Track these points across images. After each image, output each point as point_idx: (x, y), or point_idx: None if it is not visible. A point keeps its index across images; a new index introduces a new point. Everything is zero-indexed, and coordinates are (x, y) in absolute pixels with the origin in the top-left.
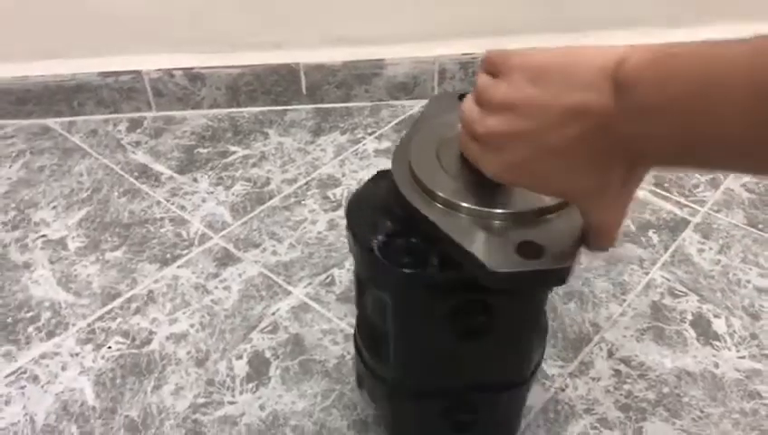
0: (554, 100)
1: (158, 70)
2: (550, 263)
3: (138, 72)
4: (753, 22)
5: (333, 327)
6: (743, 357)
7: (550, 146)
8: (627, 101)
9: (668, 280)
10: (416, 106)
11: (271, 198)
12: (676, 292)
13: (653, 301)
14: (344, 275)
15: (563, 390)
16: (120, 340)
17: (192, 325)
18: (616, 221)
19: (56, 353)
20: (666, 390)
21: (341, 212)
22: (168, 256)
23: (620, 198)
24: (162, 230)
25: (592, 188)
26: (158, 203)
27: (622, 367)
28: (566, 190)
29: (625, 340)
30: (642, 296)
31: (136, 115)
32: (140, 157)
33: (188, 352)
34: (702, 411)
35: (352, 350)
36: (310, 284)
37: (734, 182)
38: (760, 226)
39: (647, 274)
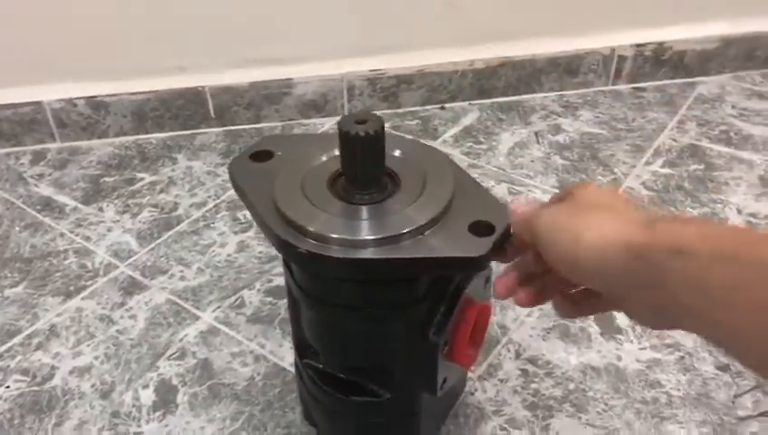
0: None
1: (60, 100)
2: (500, 233)
3: (38, 103)
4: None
5: (243, 349)
6: (644, 348)
7: None
8: None
9: None
10: (327, 123)
11: (179, 222)
12: None
13: None
14: (254, 296)
15: (473, 393)
16: (20, 378)
17: (96, 357)
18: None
19: None
20: (571, 386)
21: (252, 233)
22: (72, 288)
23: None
24: (66, 262)
25: None
26: (62, 235)
27: (529, 366)
28: None
29: (531, 340)
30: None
31: (39, 147)
32: (43, 189)
33: (93, 385)
34: (606, 404)
35: (262, 370)
36: (219, 307)
37: (635, 181)
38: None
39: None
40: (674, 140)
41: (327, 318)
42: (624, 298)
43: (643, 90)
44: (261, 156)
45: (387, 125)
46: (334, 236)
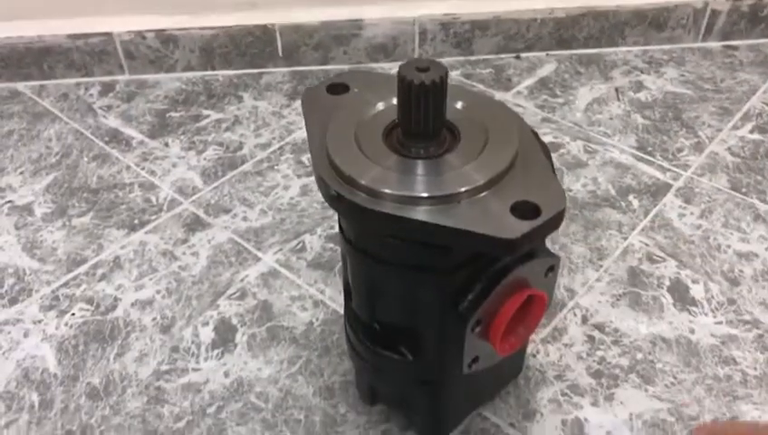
0: None
1: (130, 32)
2: (544, 220)
3: (108, 35)
4: None
5: (303, 293)
6: (719, 323)
7: None
8: None
9: (647, 245)
10: (395, 69)
11: (243, 162)
12: (655, 257)
13: (630, 266)
14: (315, 241)
15: (535, 356)
16: (84, 307)
17: (158, 292)
18: None
19: (18, 320)
20: (639, 356)
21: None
22: (137, 221)
23: None
24: (131, 195)
25: None
26: (128, 168)
27: (596, 333)
28: None
29: (600, 306)
30: (619, 262)
31: (108, 79)
32: (111, 121)
33: (153, 319)
34: (675, 378)
35: (321, 316)
36: (280, 250)
37: (719, 146)
38: (743, 190)
39: (625, 239)
40: (766, 103)
41: (356, 264)
42: None
43: (735, 48)
44: (337, 89)
45: (458, 73)
46: (385, 190)
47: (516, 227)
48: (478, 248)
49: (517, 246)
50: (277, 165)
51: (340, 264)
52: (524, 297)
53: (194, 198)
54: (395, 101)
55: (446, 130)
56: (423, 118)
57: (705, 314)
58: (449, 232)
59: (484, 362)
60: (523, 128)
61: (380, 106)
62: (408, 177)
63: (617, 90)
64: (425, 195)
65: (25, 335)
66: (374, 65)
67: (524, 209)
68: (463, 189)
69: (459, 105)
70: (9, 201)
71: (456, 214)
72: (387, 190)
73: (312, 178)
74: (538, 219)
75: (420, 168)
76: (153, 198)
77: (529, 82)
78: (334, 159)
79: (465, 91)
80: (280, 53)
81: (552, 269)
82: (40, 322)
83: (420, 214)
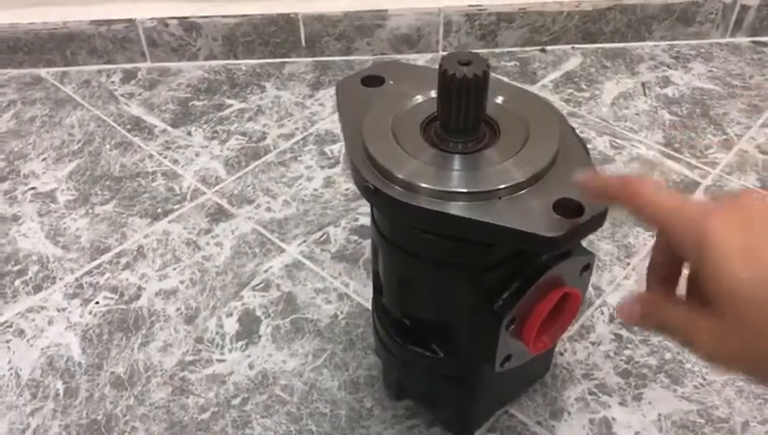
0: None
1: (153, 19)
2: (589, 217)
3: (131, 21)
4: None
5: (327, 286)
6: None
7: None
8: None
9: None
10: (420, 60)
11: (266, 153)
12: None
13: None
14: (339, 233)
15: (562, 354)
16: (108, 295)
17: (182, 282)
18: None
19: (43, 308)
20: (668, 356)
21: (338, 169)
22: (160, 210)
23: None
24: (154, 184)
25: None
26: (151, 156)
27: (624, 332)
28: None
29: None
30: (647, 260)
31: (130, 66)
32: (134, 109)
33: (178, 309)
34: (704, 379)
35: (345, 309)
36: (304, 241)
37: (749, 144)
38: None
39: (653, 236)
40: None
41: (390, 258)
42: None
43: (764, 44)
44: (372, 81)
45: None
46: (423, 185)
47: (559, 225)
48: (518, 246)
49: (560, 244)
50: (300, 156)
51: (365, 256)
52: (559, 296)
53: (217, 187)
54: (433, 93)
55: (486, 124)
56: (463, 112)
57: None
58: (489, 228)
59: (516, 361)
60: (563, 123)
61: (418, 99)
62: (445, 171)
63: (643, 85)
64: (463, 190)
65: (50, 323)
66: (398, 56)
67: (568, 207)
68: (503, 186)
69: (500, 99)
70: (32, 188)
71: (495, 211)
72: (424, 184)
73: (336, 170)
74: (581, 218)
75: (459, 162)
76: (176, 188)
77: (554, 75)
78: (371, 151)
79: (506, 85)
80: (303, 43)
81: (588, 267)
82: (64, 310)
83: (458, 209)
